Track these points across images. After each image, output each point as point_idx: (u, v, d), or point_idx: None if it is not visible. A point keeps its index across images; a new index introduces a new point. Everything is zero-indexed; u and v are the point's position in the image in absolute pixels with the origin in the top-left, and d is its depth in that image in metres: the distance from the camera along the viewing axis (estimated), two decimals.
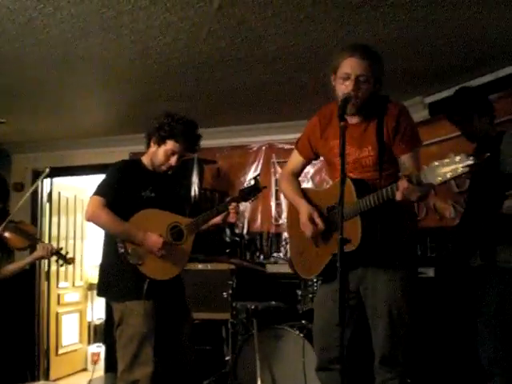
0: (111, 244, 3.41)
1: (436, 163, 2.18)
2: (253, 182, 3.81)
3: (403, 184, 2.37)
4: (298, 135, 3.22)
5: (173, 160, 3.50)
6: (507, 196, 2.90)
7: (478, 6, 3.32)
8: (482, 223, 3.20)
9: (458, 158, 2.11)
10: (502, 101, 3.69)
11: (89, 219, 3.39)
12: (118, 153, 4.82)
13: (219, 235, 6.08)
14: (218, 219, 3.64)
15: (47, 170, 4.30)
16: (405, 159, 2.78)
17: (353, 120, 2.81)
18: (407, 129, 2.79)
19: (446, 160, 2.15)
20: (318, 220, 2.87)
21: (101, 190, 3.39)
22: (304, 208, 2.96)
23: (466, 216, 3.60)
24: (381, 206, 2.58)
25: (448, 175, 2.14)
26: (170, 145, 3.46)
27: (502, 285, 3.15)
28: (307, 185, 5.74)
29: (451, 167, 2.13)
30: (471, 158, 2.08)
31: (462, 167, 2.10)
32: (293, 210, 3.18)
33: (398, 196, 2.43)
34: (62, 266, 4.35)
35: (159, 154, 3.49)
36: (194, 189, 6.07)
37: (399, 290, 2.79)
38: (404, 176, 2.41)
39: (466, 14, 3.42)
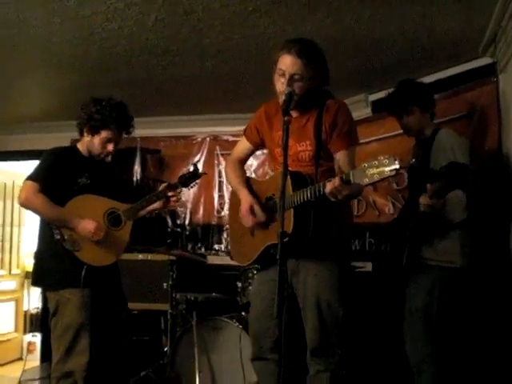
0: (46, 231, 3.36)
1: (365, 164, 2.21)
2: (192, 169, 3.81)
3: (335, 181, 2.38)
4: (242, 128, 3.24)
5: (110, 147, 3.46)
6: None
7: (422, 6, 3.38)
8: (410, 221, 3.26)
9: (385, 161, 2.15)
10: (443, 102, 3.76)
11: (22, 204, 3.33)
12: (59, 139, 4.73)
13: (160, 226, 6.05)
14: (157, 205, 3.62)
15: None
16: (340, 156, 2.79)
17: (293, 114, 2.79)
18: (344, 126, 2.81)
19: (375, 162, 2.18)
20: (258, 211, 2.88)
21: (35, 175, 3.33)
22: (245, 198, 2.97)
23: (401, 213, 3.67)
24: (315, 200, 2.59)
25: (375, 177, 2.17)
26: (104, 134, 3.42)
27: (429, 282, 3.21)
28: None
29: (379, 169, 2.16)
30: (397, 161, 2.12)
31: (389, 170, 2.14)
32: (234, 199, 3.20)
33: (327, 190, 2.43)
34: None
35: (95, 144, 3.45)
36: (136, 177, 6.01)
37: (328, 283, 2.83)
38: (339, 174, 2.41)
39: (411, 13, 3.48)
